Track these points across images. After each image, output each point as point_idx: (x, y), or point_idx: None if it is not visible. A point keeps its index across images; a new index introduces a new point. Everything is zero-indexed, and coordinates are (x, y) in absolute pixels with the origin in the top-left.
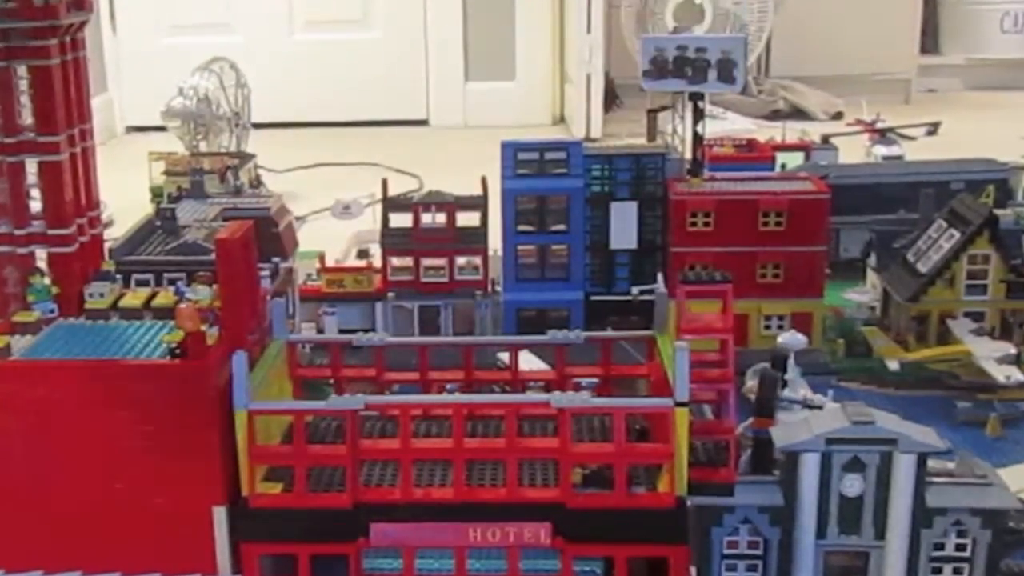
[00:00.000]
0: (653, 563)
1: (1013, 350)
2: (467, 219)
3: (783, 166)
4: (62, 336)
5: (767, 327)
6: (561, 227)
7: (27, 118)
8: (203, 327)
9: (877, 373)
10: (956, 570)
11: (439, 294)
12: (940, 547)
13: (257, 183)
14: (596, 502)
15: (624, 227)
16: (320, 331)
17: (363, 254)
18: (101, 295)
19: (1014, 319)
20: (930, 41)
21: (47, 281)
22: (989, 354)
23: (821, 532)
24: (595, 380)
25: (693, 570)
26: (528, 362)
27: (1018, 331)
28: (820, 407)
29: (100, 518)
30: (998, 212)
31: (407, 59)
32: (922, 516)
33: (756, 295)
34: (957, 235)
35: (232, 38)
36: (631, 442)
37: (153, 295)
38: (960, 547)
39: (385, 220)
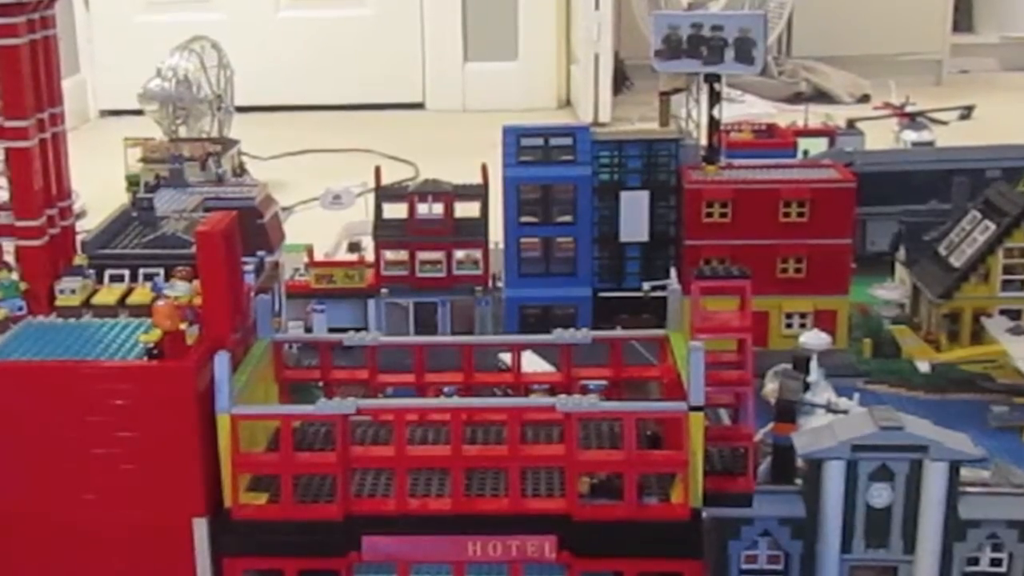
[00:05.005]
0: None
1: None
2: (466, 210)
3: (805, 153)
4: (31, 335)
5: (788, 326)
6: (567, 218)
7: None
8: (182, 326)
9: (906, 375)
10: None
11: (436, 290)
12: (974, 562)
13: (241, 171)
14: (605, 514)
15: (635, 218)
16: (308, 330)
17: (354, 247)
18: (73, 291)
19: None
20: (963, 19)
21: (15, 276)
22: None
23: (846, 545)
24: (603, 383)
25: None
26: (532, 363)
27: None
28: (845, 411)
29: (72, 531)
30: None
31: (402, 38)
32: (955, 528)
33: (776, 291)
34: (992, 227)
35: (214, 15)
36: (642, 449)
37: (129, 291)
38: (995, 562)
39: (378, 211)
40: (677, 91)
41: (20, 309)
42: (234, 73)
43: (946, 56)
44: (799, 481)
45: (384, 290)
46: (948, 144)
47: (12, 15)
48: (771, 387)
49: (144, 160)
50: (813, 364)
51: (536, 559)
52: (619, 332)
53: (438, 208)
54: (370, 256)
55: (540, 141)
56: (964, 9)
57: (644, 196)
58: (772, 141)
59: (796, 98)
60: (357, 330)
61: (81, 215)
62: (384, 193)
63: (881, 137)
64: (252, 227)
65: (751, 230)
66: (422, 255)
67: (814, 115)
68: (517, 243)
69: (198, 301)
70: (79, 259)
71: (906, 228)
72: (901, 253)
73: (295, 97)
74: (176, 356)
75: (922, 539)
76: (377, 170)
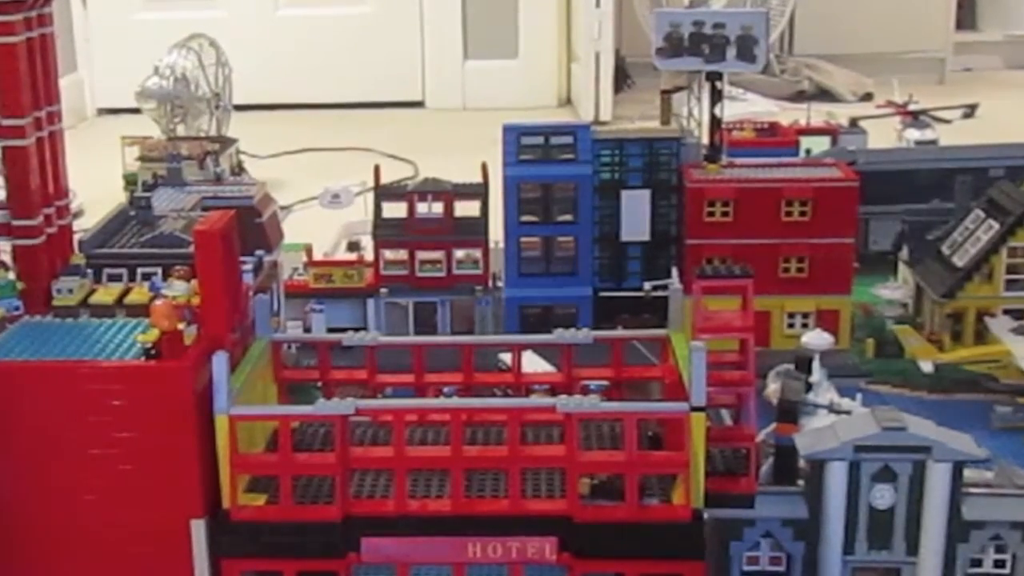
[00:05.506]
0: None
1: None
2: (466, 209)
3: (808, 151)
4: (28, 335)
5: (790, 325)
6: (568, 217)
7: None
8: (180, 326)
9: (909, 375)
10: None
11: (436, 290)
12: (977, 563)
13: (239, 170)
14: (605, 515)
15: (636, 217)
16: (307, 330)
17: (354, 247)
18: (70, 291)
19: None
20: (966, 16)
21: (11, 276)
22: None
23: (849, 547)
24: (604, 383)
25: None
26: (532, 363)
27: None
28: (848, 412)
29: (69, 532)
30: None
31: (401, 36)
32: (958, 530)
33: (778, 291)
34: (996, 226)
35: (212, 13)
36: (643, 450)
37: (126, 291)
38: (999, 563)
39: (377, 210)
40: (679, 89)
41: (17, 309)
42: (232, 71)
43: (949, 54)
44: (801, 482)
45: (383, 290)
46: (951, 143)
47: (9, 13)
48: (773, 387)
49: (142, 159)
50: (815, 364)
51: (536, 560)
52: (620, 332)
53: (438, 207)
54: (369, 255)
55: (540, 140)
56: (967, 7)
57: (645, 195)
58: (774, 140)
59: (798, 96)
60: (356, 330)
61: (78, 214)
62: (383, 192)
63: (884, 136)
64: (250, 226)
65: (753, 229)
66: (422, 254)
67: (816, 113)
68: (517, 242)
69: (196, 301)
70: (76, 258)
71: (909, 227)
72: (904, 252)
73: (294, 95)
74: (174, 356)
75: (925, 540)
76: (376, 169)
